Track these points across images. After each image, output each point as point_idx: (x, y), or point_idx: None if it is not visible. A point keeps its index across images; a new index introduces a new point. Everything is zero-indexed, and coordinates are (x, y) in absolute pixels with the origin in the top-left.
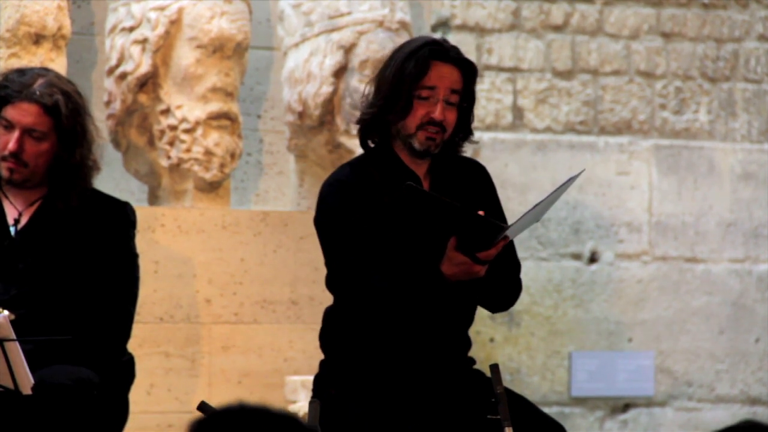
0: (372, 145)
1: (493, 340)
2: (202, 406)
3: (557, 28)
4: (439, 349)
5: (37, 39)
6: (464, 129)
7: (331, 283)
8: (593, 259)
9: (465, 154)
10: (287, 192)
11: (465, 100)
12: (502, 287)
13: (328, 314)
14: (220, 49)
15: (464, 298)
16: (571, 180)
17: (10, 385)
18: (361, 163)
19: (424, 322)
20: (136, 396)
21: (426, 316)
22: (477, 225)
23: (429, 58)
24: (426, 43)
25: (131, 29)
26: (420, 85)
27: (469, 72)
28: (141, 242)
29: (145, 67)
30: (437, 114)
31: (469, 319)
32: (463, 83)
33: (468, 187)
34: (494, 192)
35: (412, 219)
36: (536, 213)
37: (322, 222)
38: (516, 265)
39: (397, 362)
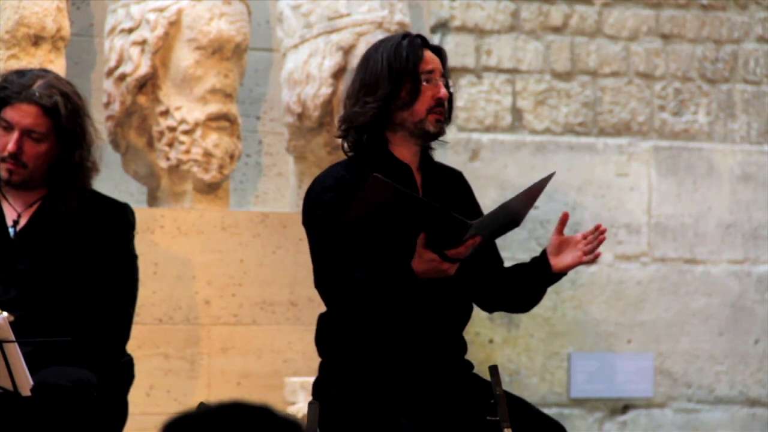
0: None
1: (492, 341)
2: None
3: (556, 30)
4: (432, 350)
5: (36, 40)
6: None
7: (315, 282)
8: None
9: (462, 155)
10: (286, 193)
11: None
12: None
13: (323, 319)
14: (219, 50)
15: (456, 296)
16: (543, 181)
17: (9, 386)
18: (353, 161)
19: (408, 319)
20: (135, 397)
21: (402, 313)
22: (442, 221)
23: (421, 45)
24: (407, 33)
25: (130, 30)
26: (421, 70)
27: (443, 58)
28: (140, 244)
29: (144, 69)
30: (442, 93)
31: (462, 320)
32: (442, 69)
33: (452, 191)
34: (474, 198)
35: (378, 211)
36: (508, 214)
37: (308, 221)
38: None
39: (391, 365)
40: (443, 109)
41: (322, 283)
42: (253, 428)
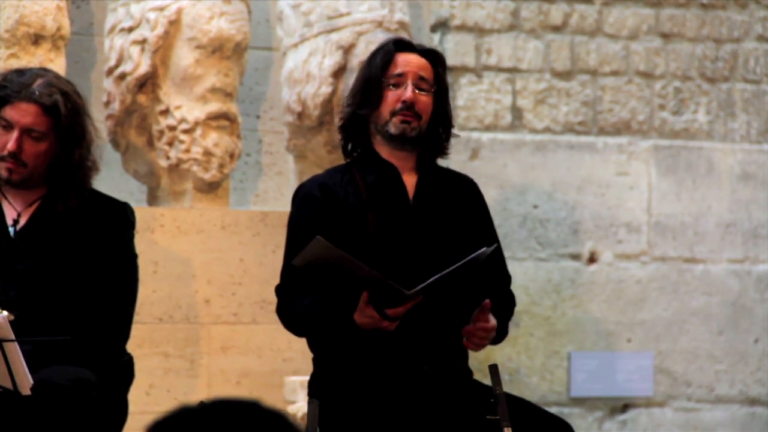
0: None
1: None
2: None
3: (556, 29)
4: (423, 354)
5: (36, 39)
6: (443, 119)
7: (276, 286)
8: (592, 259)
9: (462, 154)
10: (286, 192)
11: (438, 86)
12: (507, 320)
13: None
14: (219, 49)
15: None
16: (480, 254)
17: (9, 385)
18: (345, 165)
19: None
20: (135, 396)
21: (340, 343)
22: (381, 287)
23: (394, 51)
24: (390, 39)
25: (130, 29)
26: (388, 74)
27: (436, 60)
28: (140, 243)
29: (144, 68)
30: (408, 95)
31: (457, 324)
32: (433, 72)
33: (455, 198)
34: (485, 208)
35: (322, 267)
36: (448, 281)
37: (287, 227)
38: (508, 281)
39: (379, 366)
40: (411, 112)
41: (278, 292)
42: (240, 423)
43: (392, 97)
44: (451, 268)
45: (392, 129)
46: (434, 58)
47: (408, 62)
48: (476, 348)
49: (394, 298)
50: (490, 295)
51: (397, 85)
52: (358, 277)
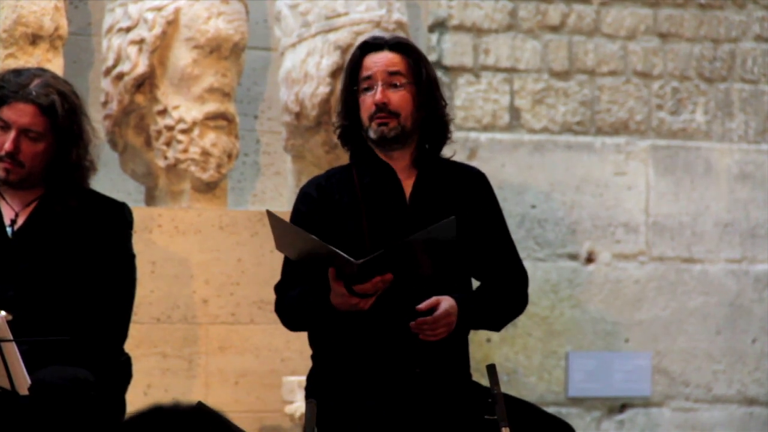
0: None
1: (489, 340)
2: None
3: (554, 29)
4: (417, 358)
5: (34, 39)
6: (430, 109)
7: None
8: (590, 259)
9: (460, 154)
10: (284, 192)
11: (417, 77)
12: (499, 307)
13: None
14: (217, 49)
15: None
16: (447, 223)
17: (7, 385)
18: (344, 166)
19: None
20: (133, 396)
21: (331, 330)
22: (332, 258)
23: (361, 55)
24: (358, 44)
25: (128, 30)
26: (359, 80)
27: (408, 52)
28: (138, 243)
29: (142, 68)
30: (377, 97)
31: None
32: (406, 64)
33: (458, 191)
34: (492, 201)
35: (286, 245)
36: (410, 249)
37: None
38: (520, 278)
39: (374, 371)
40: (386, 113)
41: (276, 290)
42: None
43: (366, 102)
44: (405, 239)
45: (372, 134)
46: (406, 50)
47: (375, 62)
48: (434, 338)
49: (353, 274)
50: (491, 287)
51: (368, 89)
52: (312, 248)
